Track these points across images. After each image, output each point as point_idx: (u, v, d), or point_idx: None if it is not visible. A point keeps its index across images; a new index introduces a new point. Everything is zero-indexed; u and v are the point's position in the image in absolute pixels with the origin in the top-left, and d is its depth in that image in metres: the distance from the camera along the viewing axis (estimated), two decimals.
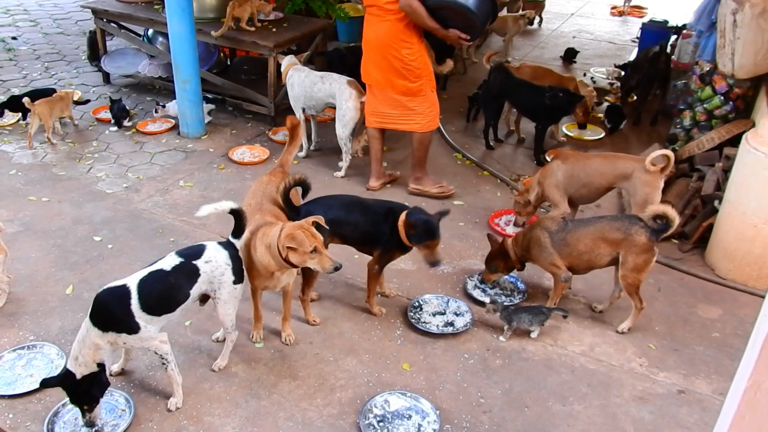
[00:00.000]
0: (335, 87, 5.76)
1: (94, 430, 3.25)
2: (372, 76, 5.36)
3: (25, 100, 6.15)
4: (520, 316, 3.99)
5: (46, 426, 3.26)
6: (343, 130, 5.78)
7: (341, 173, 5.98)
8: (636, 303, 4.08)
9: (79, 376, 3.10)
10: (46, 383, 3.15)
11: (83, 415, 3.21)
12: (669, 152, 4.49)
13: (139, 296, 3.14)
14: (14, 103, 6.55)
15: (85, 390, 3.14)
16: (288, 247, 3.34)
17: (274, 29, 7.01)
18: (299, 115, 6.13)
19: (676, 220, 3.89)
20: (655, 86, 7.41)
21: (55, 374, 3.22)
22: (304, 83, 5.93)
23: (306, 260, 3.38)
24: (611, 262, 4.08)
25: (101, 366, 3.15)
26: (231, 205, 3.47)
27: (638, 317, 4.13)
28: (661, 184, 4.58)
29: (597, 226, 4.07)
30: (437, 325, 4.10)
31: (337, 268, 3.39)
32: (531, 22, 10.01)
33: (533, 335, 4.03)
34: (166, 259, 3.34)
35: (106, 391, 3.27)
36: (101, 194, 5.49)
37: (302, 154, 6.34)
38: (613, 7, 12.53)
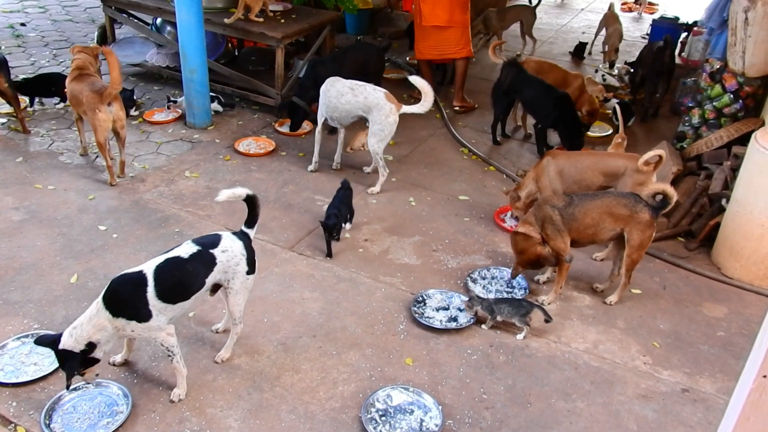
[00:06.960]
0: (371, 100, 5.35)
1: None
2: (441, 17, 6.87)
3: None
4: (501, 306, 4.01)
5: (45, 413, 3.27)
6: (379, 145, 5.38)
7: (377, 189, 5.56)
8: (626, 280, 4.26)
9: (61, 346, 3.11)
10: (39, 341, 3.21)
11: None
12: (661, 152, 4.50)
13: (155, 283, 3.15)
14: (23, 88, 6.57)
15: (61, 359, 3.15)
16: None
17: (282, 20, 6.98)
18: (321, 124, 5.73)
19: (674, 197, 4.05)
20: (662, 82, 7.33)
21: (51, 335, 3.23)
22: (329, 93, 5.54)
23: None
24: (611, 238, 4.24)
25: (89, 346, 3.12)
26: (246, 191, 3.49)
27: (624, 292, 4.36)
28: (653, 182, 4.58)
29: (604, 200, 4.16)
30: (440, 321, 4.09)
31: None
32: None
33: (519, 337, 4.00)
34: (182, 247, 3.35)
35: (105, 385, 3.45)
36: (107, 183, 5.49)
37: (311, 168, 5.87)
38: (624, 3, 12.44)
